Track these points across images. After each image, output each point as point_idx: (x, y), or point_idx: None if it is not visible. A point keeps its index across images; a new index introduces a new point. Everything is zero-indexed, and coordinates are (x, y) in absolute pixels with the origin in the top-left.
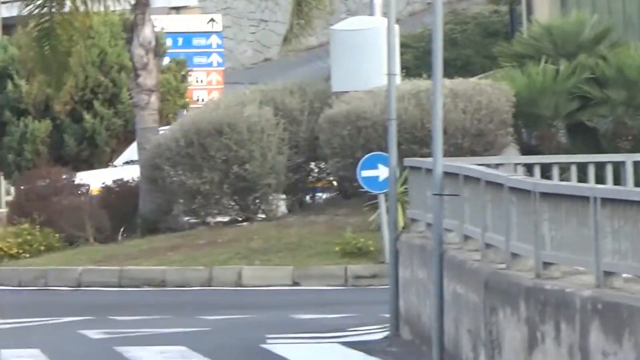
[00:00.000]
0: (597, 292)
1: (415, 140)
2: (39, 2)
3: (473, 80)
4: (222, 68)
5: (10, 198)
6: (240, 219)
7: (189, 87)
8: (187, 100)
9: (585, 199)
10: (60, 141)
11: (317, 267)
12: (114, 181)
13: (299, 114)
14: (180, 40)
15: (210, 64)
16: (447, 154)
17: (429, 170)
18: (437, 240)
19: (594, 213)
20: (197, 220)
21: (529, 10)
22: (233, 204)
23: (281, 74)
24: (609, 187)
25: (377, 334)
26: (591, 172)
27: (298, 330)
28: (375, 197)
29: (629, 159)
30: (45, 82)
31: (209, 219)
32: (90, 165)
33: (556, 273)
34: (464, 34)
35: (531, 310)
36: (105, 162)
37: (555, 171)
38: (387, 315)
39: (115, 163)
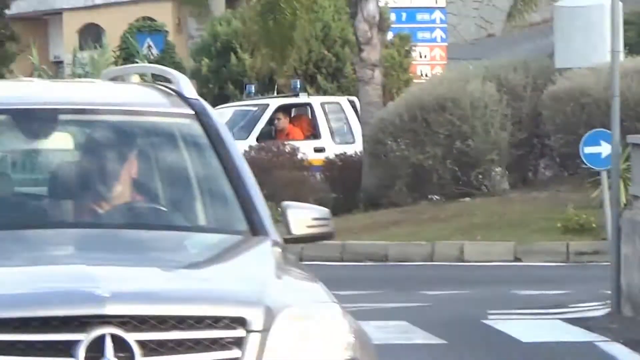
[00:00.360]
0: None
1: (639, 118)
2: None
3: None
4: (445, 43)
5: None
6: (462, 194)
7: (413, 62)
8: (410, 75)
9: None
10: None
11: (539, 243)
12: (337, 155)
13: (522, 90)
14: (404, 16)
15: (434, 39)
16: None
17: None
18: None
19: None
20: (420, 197)
21: None
22: (455, 179)
23: (504, 50)
24: None
25: (598, 310)
26: None
27: (519, 306)
28: (597, 173)
29: None
30: (269, 56)
31: (432, 196)
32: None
33: None
34: None
35: None
36: None
37: None
38: (608, 292)
39: None
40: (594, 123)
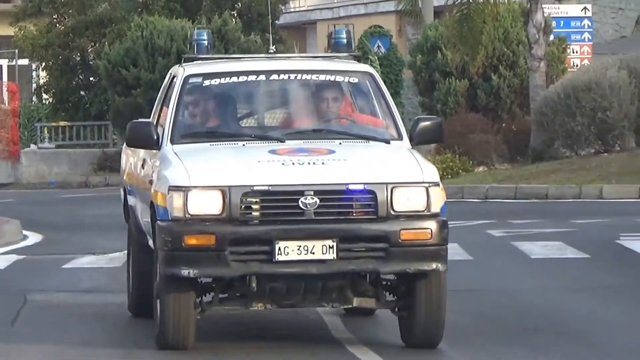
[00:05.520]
0: None
1: None
2: None
3: None
4: (591, 43)
5: None
6: (602, 151)
7: (568, 57)
8: (565, 66)
9: None
10: (474, 95)
11: None
12: (513, 121)
13: None
14: (561, 23)
15: (583, 40)
16: None
17: None
18: None
19: None
20: (571, 152)
21: None
22: (598, 140)
23: (634, 48)
24: None
25: None
26: None
27: None
28: None
29: None
30: (464, 53)
31: (580, 151)
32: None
33: None
34: None
35: None
36: (507, 110)
37: None
38: None
39: None
40: None
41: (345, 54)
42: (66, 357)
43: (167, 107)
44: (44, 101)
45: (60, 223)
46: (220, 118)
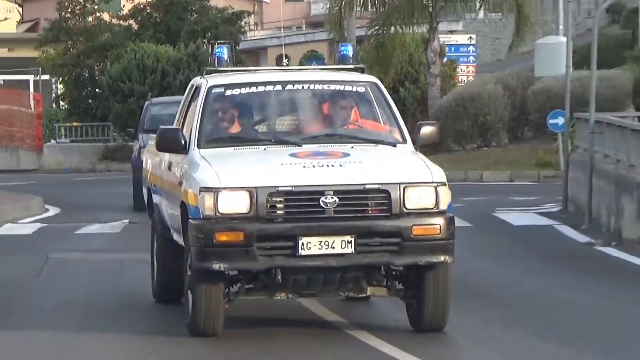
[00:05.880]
0: None
1: (578, 104)
2: (376, 28)
3: (613, 70)
4: (475, 64)
5: None
6: (482, 146)
7: (457, 75)
8: (455, 81)
9: None
10: None
11: (524, 171)
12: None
13: (516, 89)
14: (453, 48)
15: (468, 62)
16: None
17: (587, 120)
18: (590, 157)
19: None
20: (459, 147)
21: None
22: (480, 137)
23: (507, 68)
24: None
25: (555, 208)
26: None
27: (512, 206)
28: (556, 134)
29: None
30: (379, 72)
31: (466, 146)
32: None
33: None
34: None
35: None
36: (411, 115)
37: None
38: (560, 198)
39: None
40: (556, 106)
41: (350, 66)
42: (79, 302)
43: (191, 114)
44: (61, 107)
45: (74, 199)
46: (241, 124)
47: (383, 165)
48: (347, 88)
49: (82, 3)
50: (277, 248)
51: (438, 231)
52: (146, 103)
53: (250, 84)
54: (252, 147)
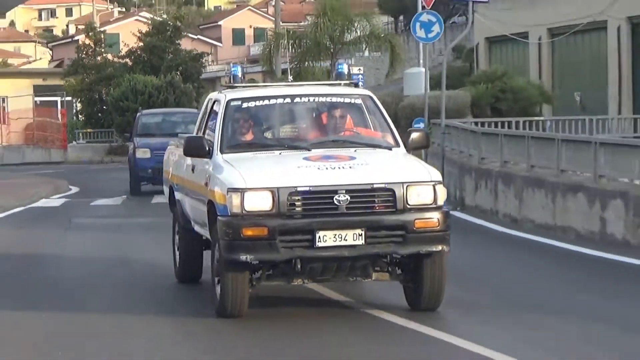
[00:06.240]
0: (501, 169)
1: (434, 113)
2: (295, 63)
3: (457, 90)
4: (363, 87)
5: None
6: None
7: None
8: None
9: (496, 134)
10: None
11: None
12: None
13: (390, 104)
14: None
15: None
16: (447, 117)
17: (439, 124)
18: (442, 150)
19: (500, 139)
20: None
21: (477, 65)
22: None
23: (385, 90)
24: (509, 130)
25: None
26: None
27: None
28: None
29: (520, 119)
30: None
31: None
32: None
33: (487, 162)
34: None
35: (476, 176)
36: None
37: (487, 125)
38: None
39: None
40: (418, 115)
41: (346, 82)
42: (98, 245)
43: (211, 124)
44: (79, 119)
45: (89, 182)
46: (256, 132)
47: (387, 167)
48: (346, 100)
49: (93, 47)
50: (296, 241)
51: (437, 224)
52: (138, 114)
53: (263, 98)
54: (268, 152)
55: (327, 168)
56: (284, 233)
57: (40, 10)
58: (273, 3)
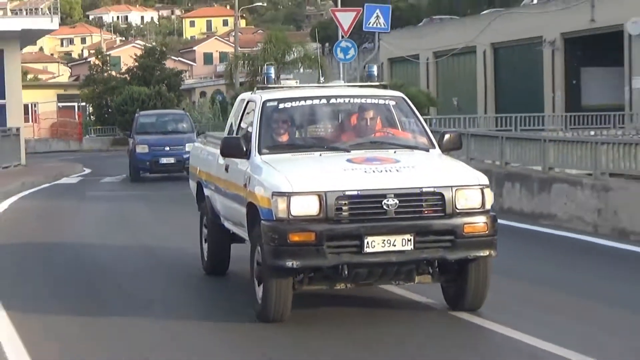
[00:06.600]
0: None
1: None
2: (249, 78)
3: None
4: None
5: None
6: None
7: None
8: None
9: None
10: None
11: None
12: None
13: None
14: None
15: None
16: None
17: None
18: None
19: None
20: None
21: (382, 78)
22: None
23: None
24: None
25: None
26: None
27: None
28: None
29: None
30: None
31: None
32: None
33: None
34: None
35: None
36: None
37: None
38: None
39: None
40: None
41: (376, 83)
42: (105, 210)
43: (246, 124)
44: (91, 119)
45: (98, 164)
46: (293, 133)
47: (435, 170)
48: (381, 101)
49: (101, 67)
50: (344, 246)
51: (485, 228)
52: (136, 115)
53: (299, 98)
54: (307, 153)
55: (373, 171)
56: (332, 238)
57: (62, 39)
58: (233, 34)
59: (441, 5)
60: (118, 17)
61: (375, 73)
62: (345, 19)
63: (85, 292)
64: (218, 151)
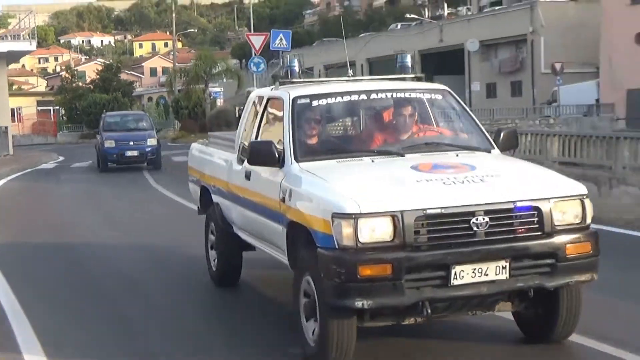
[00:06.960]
0: None
1: None
2: (185, 85)
3: None
4: (222, 99)
5: None
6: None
7: (217, 102)
8: (216, 105)
9: None
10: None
11: None
12: None
13: (240, 106)
14: (213, 93)
15: (220, 97)
16: None
17: None
18: None
19: None
20: None
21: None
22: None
23: (236, 101)
24: None
25: None
26: None
27: None
28: None
29: None
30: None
31: None
32: None
33: None
34: None
35: None
36: None
37: None
38: None
39: None
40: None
41: (411, 75)
42: (76, 189)
43: (267, 126)
44: (63, 119)
45: (70, 154)
46: (330, 135)
47: (524, 179)
48: (427, 95)
49: (71, 79)
50: (425, 279)
51: (589, 248)
52: (103, 115)
53: (335, 94)
54: (354, 158)
55: (453, 182)
56: (412, 270)
57: (39, 58)
58: (172, 53)
59: (329, 30)
60: (83, 41)
61: (409, 64)
62: (257, 41)
63: (64, 254)
64: (230, 155)
